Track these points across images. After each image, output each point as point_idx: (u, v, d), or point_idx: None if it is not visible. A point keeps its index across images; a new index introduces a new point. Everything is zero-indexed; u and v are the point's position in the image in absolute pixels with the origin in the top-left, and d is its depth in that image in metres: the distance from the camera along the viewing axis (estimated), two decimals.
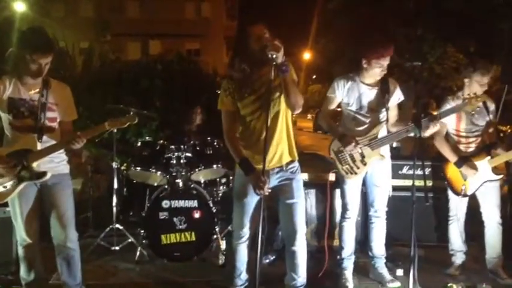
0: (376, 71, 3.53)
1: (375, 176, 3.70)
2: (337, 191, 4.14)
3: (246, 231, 3.18)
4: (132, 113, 3.40)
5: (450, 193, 3.94)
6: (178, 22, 30.18)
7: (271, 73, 2.77)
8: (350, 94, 3.64)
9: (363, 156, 3.60)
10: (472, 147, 3.85)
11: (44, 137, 3.05)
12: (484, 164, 3.76)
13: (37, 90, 3.05)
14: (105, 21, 28.31)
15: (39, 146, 3.01)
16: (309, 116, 29.02)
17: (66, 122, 3.22)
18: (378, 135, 3.60)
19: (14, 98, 3.00)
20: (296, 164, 3.17)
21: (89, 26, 28.06)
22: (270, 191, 2.95)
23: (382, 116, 3.63)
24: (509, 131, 6.46)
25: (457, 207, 3.92)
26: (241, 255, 3.25)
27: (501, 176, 3.82)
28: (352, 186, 3.70)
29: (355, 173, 3.64)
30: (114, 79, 7.66)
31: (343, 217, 3.79)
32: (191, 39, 30.73)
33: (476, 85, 3.72)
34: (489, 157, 3.76)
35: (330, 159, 3.75)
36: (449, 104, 3.75)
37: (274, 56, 2.70)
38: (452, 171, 3.87)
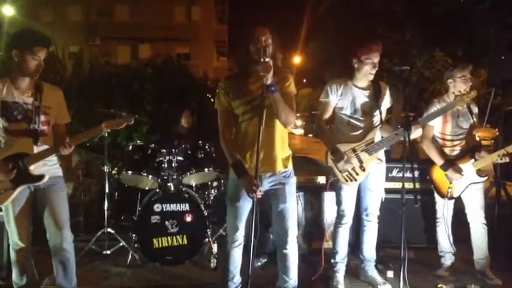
0: (367, 68, 3.51)
1: (369, 181, 3.69)
2: (326, 194, 4.17)
3: (239, 235, 3.15)
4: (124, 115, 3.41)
5: (436, 196, 4.00)
6: (168, 26, 30.15)
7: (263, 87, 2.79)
8: (343, 98, 3.62)
9: (361, 162, 3.58)
10: (456, 150, 3.91)
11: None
12: (469, 167, 3.82)
13: (30, 93, 3.05)
14: (93, 24, 28.27)
15: (35, 150, 3.02)
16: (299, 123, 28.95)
17: (60, 125, 3.23)
18: (374, 140, 3.58)
19: (8, 101, 3.00)
20: (289, 169, 3.15)
21: (78, 30, 28.02)
22: (262, 193, 2.93)
23: (376, 119, 3.63)
24: (497, 133, 6.56)
25: (444, 209, 3.96)
26: (234, 259, 3.21)
27: (485, 178, 3.87)
28: (349, 193, 3.68)
29: (355, 180, 3.62)
30: (105, 83, 7.65)
31: (339, 223, 3.75)
32: (181, 43, 30.71)
33: (460, 82, 3.78)
34: (473, 160, 3.82)
35: (328, 167, 3.70)
36: (435, 107, 3.81)
37: (264, 76, 2.73)
38: (438, 174, 3.93)
